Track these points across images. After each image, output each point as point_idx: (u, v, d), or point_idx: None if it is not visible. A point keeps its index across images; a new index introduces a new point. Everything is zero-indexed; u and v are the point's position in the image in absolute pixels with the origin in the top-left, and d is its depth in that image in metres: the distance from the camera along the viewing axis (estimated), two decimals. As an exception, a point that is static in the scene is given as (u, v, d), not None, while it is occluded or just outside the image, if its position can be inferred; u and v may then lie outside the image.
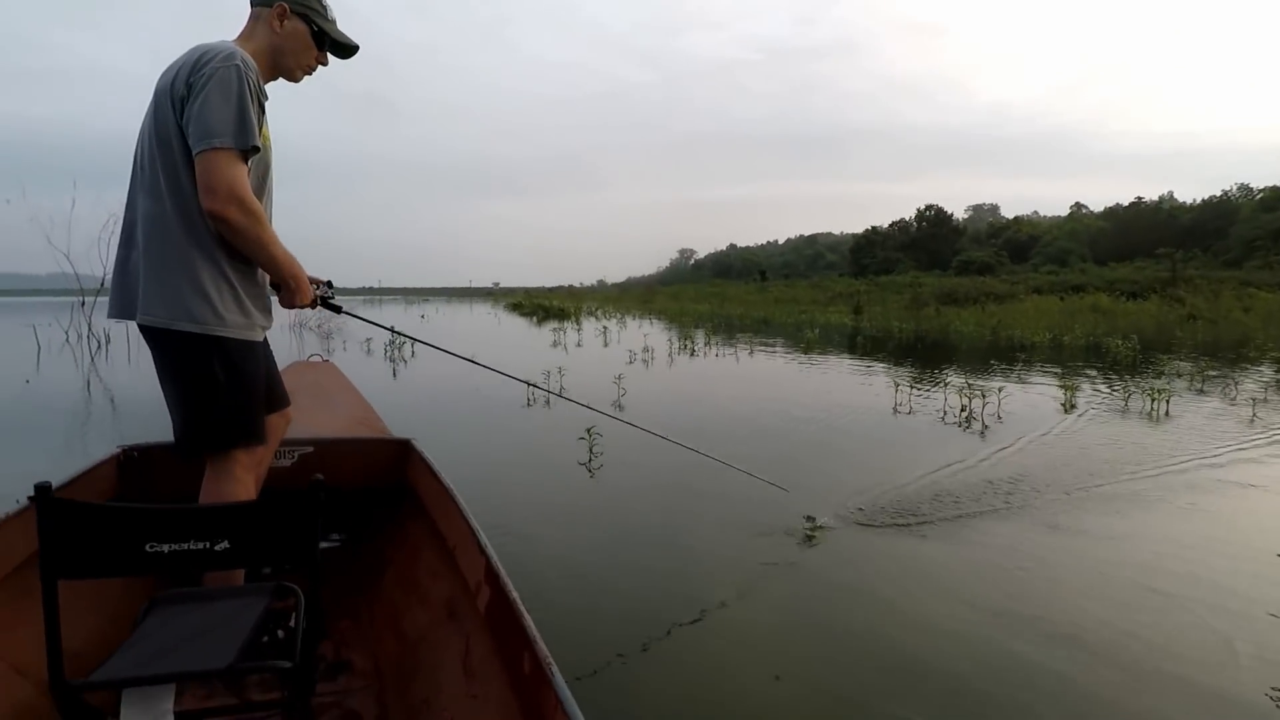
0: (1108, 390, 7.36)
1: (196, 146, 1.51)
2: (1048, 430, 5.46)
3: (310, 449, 2.35)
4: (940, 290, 37.59)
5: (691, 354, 11.93)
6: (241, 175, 1.54)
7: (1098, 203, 76.84)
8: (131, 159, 1.67)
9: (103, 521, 1.18)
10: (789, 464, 4.47)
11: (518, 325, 22.41)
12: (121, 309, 1.65)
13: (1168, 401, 6.04)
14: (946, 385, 6.72)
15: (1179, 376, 8.38)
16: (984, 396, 6.11)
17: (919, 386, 6.87)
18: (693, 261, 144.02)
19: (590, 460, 4.47)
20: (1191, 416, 5.87)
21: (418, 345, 12.30)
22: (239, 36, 1.73)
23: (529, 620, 1.28)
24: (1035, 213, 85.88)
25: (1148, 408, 6.11)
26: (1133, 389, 6.64)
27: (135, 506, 1.19)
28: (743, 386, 8.24)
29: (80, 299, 15.60)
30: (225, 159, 1.51)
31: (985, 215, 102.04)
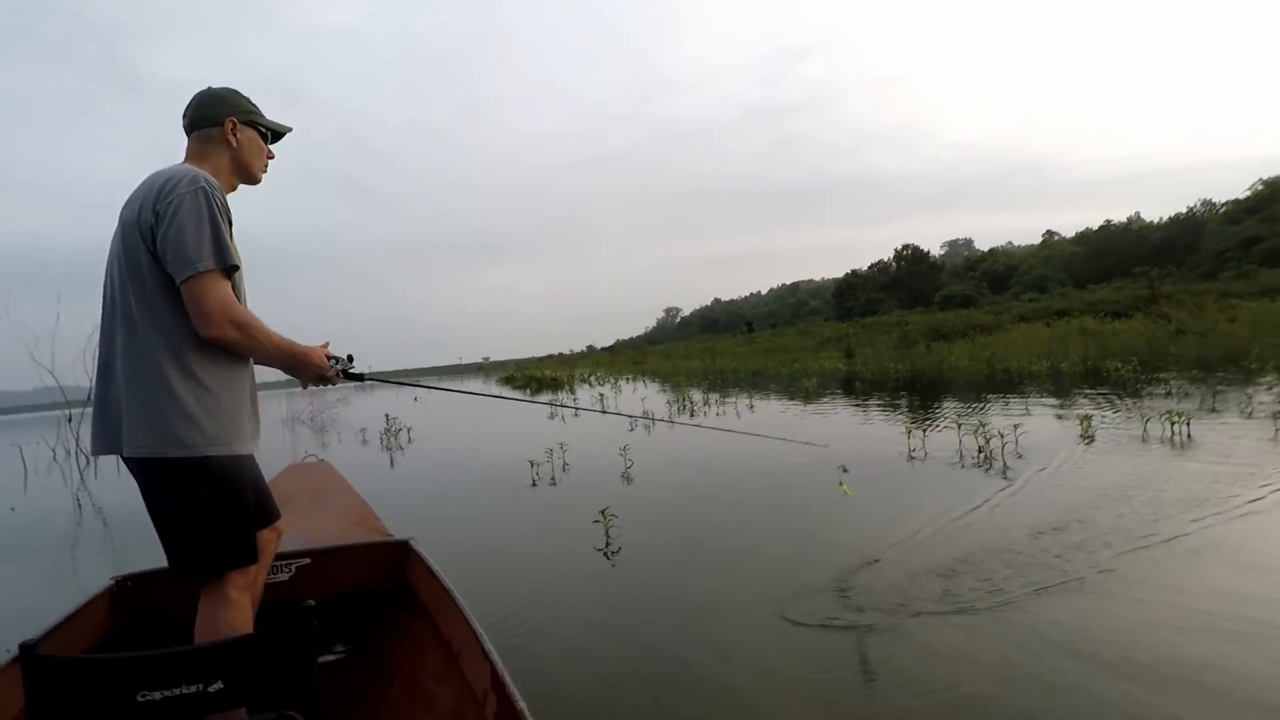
0: (1121, 416, 7.25)
1: (180, 275, 1.54)
2: (1070, 465, 5.31)
3: (307, 560, 2.30)
4: (927, 327, 37.85)
5: (691, 414, 11.77)
6: (228, 294, 1.59)
7: (1068, 228, 78.59)
8: (102, 292, 1.69)
9: (91, 676, 1.14)
10: (806, 528, 4.29)
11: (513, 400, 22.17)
12: (107, 444, 1.65)
13: (1188, 425, 5.91)
14: (959, 425, 6.57)
15: (1187, 396, 8.30)
16: (1001, 435, 5.97)
17: (929, 428, 6.73)
18: (679, 319, 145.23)
19: (607, 545, 4.25)
20: (1215, 438, 5.71)
21: (414, 434, 12.25)
22: (189, 159, 1.76)
23: None
24: (1009, 243, 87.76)
25: (1166, 432, 5.98)
26: (1146, 413, 6.53)
27: (122, 657, 1.16)
28: (749, 442, 8.06)
29: (67, 414, 15.38)
30: (211, 282, 1.56)
31: (961, 250, 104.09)
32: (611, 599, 3.45)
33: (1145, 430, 6.18)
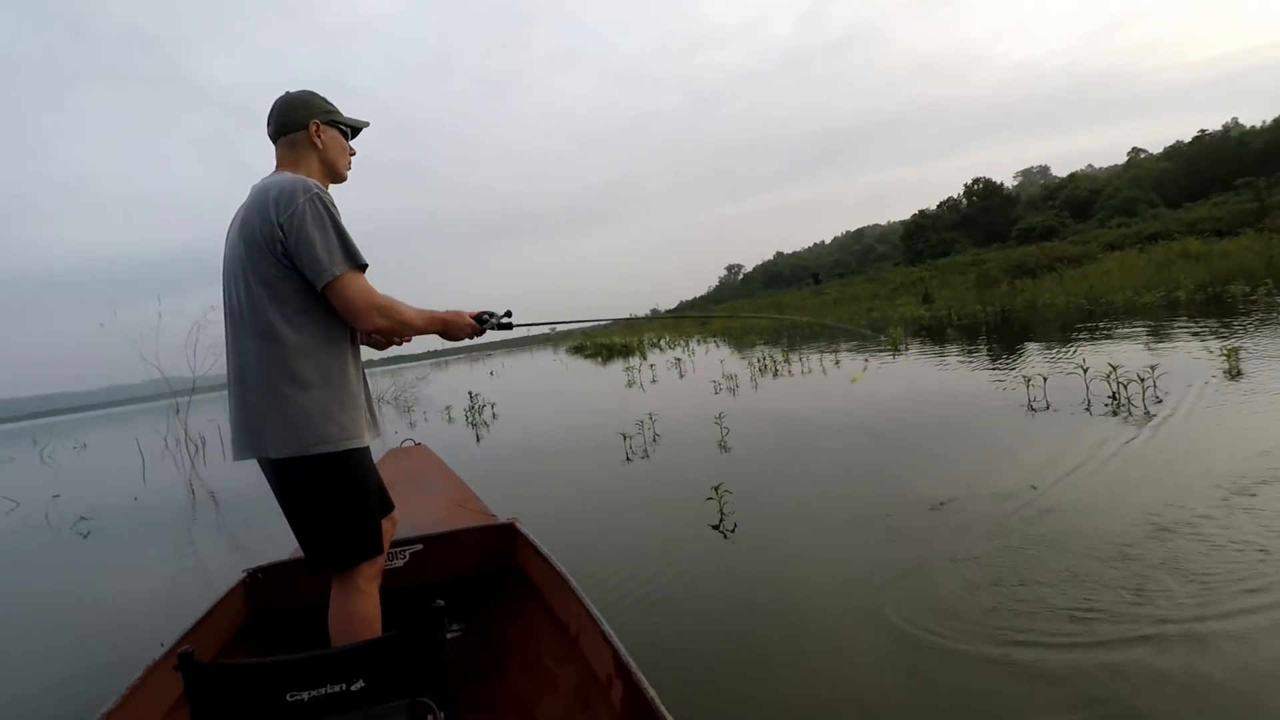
0: (1265, 350, 6.53)
1: (320, 282, 1.65)
2: (1218, 407, 4.79)
3: (420, 546, 2.39)
4: (1007, 264, 35.89)
5: (775, 374, 11.42)
6: (368, 289, 1.71)
7: (1156, 144, 72.89)
8: (225, 306, 1.78)
9: (245, 680, 1.24)
10: (943, 481, 3.97)
11: (585, 369, 22.27)
12: (249, 447, 1.71)
13: (1359, 353, 5.23)
14: (1084, 369, 6.03)
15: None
16: (1138, 379, 5.45)
17: (1043, 371, 6.20)
18: (741, 276, 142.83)
19: (721, 522, 4.05)
20: None
21: (498, 409, 12.34)
22: (282, 165, 1.82)
23: None
24: (1090, 166, 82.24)
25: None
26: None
27: (273, 662, 1.24)
28: (851, 401, 7.70)
29: (174, 404, 16.31)
30: (351, 282, 1.68)
31: (1036, 179, 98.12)
32: (731, 580, 3.25)
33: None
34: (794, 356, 13.46)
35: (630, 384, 13.93)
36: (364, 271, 1.72)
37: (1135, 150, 70.79)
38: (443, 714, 1.40)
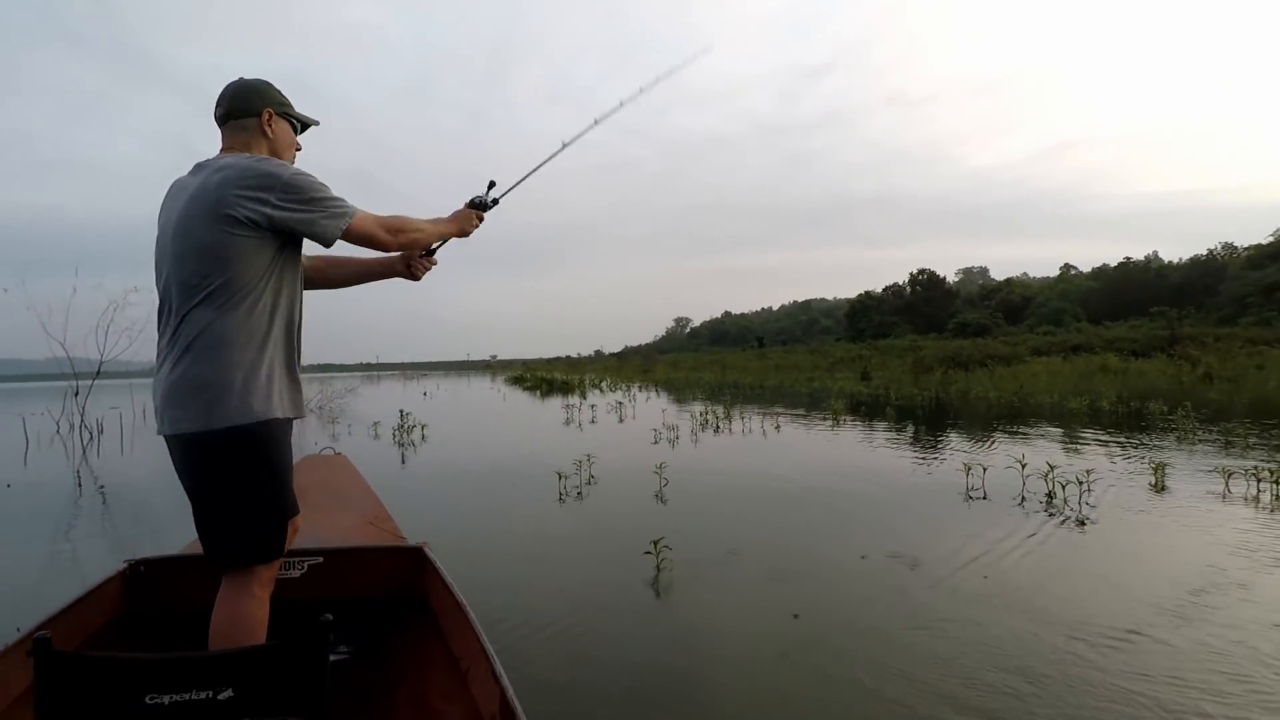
0: (1190, 467, 6.80)
1: (335, 238, 1.77)
2: (1156, 531, 4.90)
3: (320, 559, 2.28)
4: (943, 354, 37.43)
5: (716, 430, 11.36)
6: (374, 216, 1.85)
7: (1086, 263, 78.09)
8: (167, 279, 1.71)
9: (101, 674, 1.14)
10: (889, 569, 3.88)
11: (523, 401, 21.84)
12: (176, 422, 1.65)
13: (1277, 483, 5.47)
14: (1021, 465, 6.13)
15: (1254, 447, 7.86)
16: (1077, 482, 5.56)
17: (980, 462, 6.28)
18: (688, 329, 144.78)
19: (657, 578, 3.84)
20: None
21: (428, 431, 11.87)
22: (231, 148, 1.82)
23: None
24: (1025, 274, 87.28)
25: (1252, 491, 5.55)
26: (1223, 467, 6.07)
27: (134, 659, 1.16)
28: (793, 467, 7.65)
29: (74, 386, 15.12)
30: (360, 221, 1.81)
31: (976, 278, 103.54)
32: (650, 636, 3.08)
33: (1227, 487, 5.74)
34: (734, 414, 13.47)
35: (569, 422, 13.66)
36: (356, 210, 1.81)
37: (1067, 266, 75.79)
38: None
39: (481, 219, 2.18)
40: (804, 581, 3.81)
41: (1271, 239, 53.09)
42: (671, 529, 4.32)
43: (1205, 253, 61.62)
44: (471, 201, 2.17)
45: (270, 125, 1.85)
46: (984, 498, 5.66)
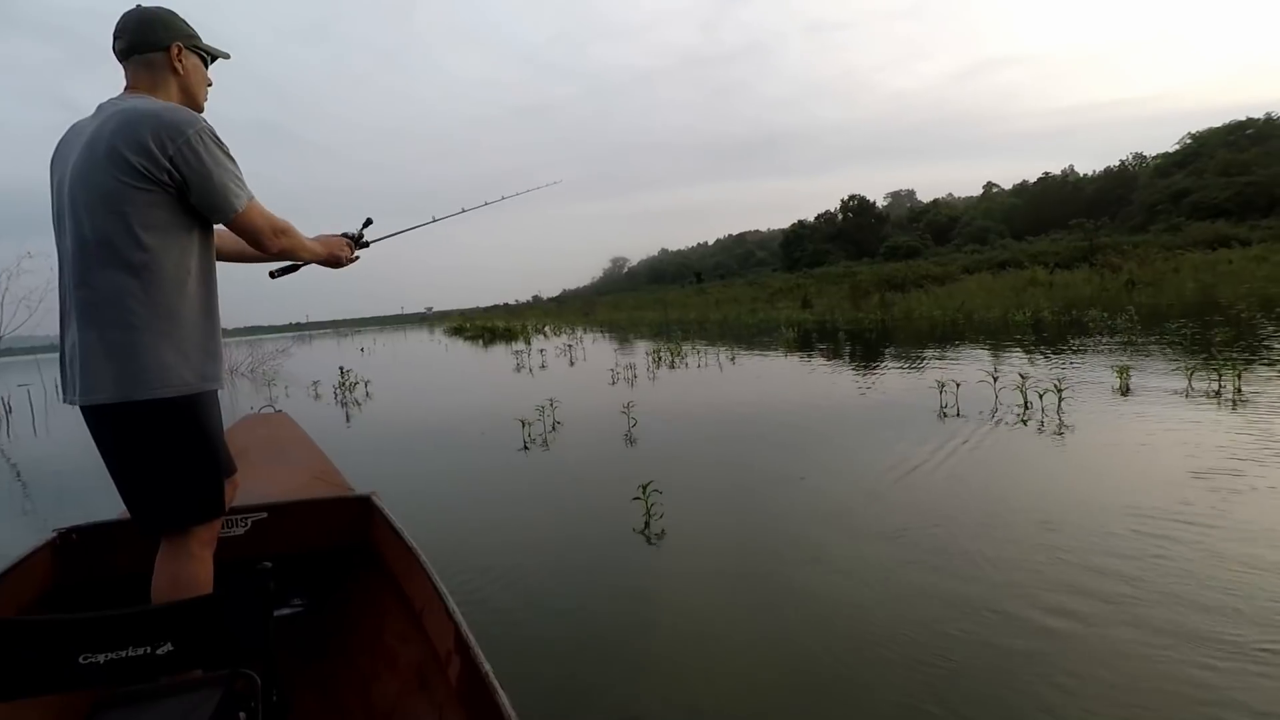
0: (1147, 370, 6.92)
1: (226, 215, 1.62)
2: (1134, 436, 4.91)
3: (264, 515, 2.22)
4: (878, 278, 38.10)
5: (672, 366, 11.15)
6: (269, 213, 1.71)
7: (1007, 180, 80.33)
8: (69, 237, 1.58)
9: (27, 638, 1.12)
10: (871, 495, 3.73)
11: (467, 351, 21.17)
12: (91, 391, 1.54)
13: (1238, 377, 5.56)
14: (994, 379, 6.09)
15: (1197, 346, 8.10)
16: (1055, 389, 5.52)
17: (941, 379, 6.21)
18: (626, 269, 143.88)
19: (648, 525, 3.59)
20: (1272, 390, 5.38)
21: (372, 387, 11.29)
22: (137, 88, 1.68)
23: (504, 698, 1.22)
24: (950, 195, 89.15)
25: (1213, 388, 5.63)
26: (1184, 366, 6.16)
27: (61, 619, 1.13)
28: (762, 397, 7.49)
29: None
30: (255, 210, 1.67)
31: (904, 201, 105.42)
32: (660, 587, 2.85)
33: (1190, 384, 5.82)
34: (687, 351, 13.28)
35: (519, 368, 13.23)
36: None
37: (990, 184, 77.65)
38: (274, 691, 1.31)
39: (355, 254, 2.11)
40: (789, 518, 3.62)
41: (1178, 147, 55.48)
42: (650, 473, 4.05)
43: (1117, 164, 64.01)
44: (346, 234, 2.09)
45: (180, 60, 1.70)
46: (958, 414, 5.60)
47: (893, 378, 8.10)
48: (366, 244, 2.14)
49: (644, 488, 3.61)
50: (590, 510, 4.08)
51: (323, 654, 2.09)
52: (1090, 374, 6.87)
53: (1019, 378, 5.75)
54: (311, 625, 2.19)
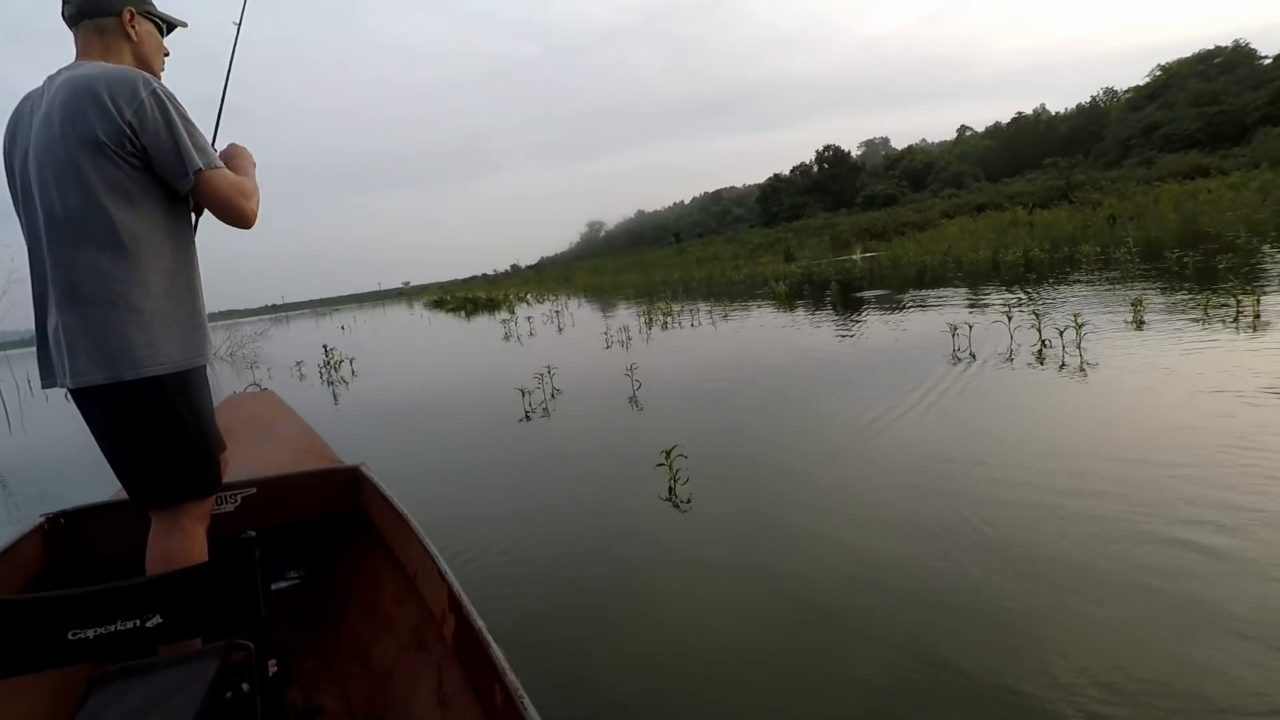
0: (1155, 303, 6.79)
1: (184, 181, 1.52)
2: (1163, 365, 4.76)
3: (252, 490, 2.23)
4: (858, 227, 37.94)
5: (664, 328, 10.92)
6: (231, 178, 1.58)
7: (980, 123, 79.93)
8: (36, 220, 1.51)
9: (14, 616, 1.13)
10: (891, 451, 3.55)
11: (450, 324, 20.78)
12: (76, 373, 1.48)
13: (1258, 301, 5.43)
14: (1008, 317, 5.92)
15: (1203, 275, 7.99)
16: (1075, 326, 5.36)
17: (949, 322, 6.03)
18: (603, 233, 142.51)
19: (673, 493, 3.39)
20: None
21: (357, 365, 10.95)
22: (88, 54, 1.59)
23: (498, 651, 1.24)
24: (924, 140, 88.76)
25: (1231, 316, 5.49)
26: (1199, 298, 6.02)
27: (47, 596, 1.15)
28: (769, 353, 7.29)
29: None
30: (218, 176, 1.55)
31: (878, 149, 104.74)
32: (699, 555, 2.66)
33: (1206, 313, 5.69)
34: (677, 311, 13.04)
35: (508, 337, 12.94)
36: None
37: (963, 128, 77.28)
38: (272, 661, 1.30)
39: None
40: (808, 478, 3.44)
41: (1148, 80, 55.31)
42: (666, 439, 3.85)
43: (1088, 100, 63.78)
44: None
45: (134, 26, 1.63)
46: (972, 358, 5.43)
47: (895, 325, 7.92)
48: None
49: (668, 453, 3.40)
50: (611, 478, 3.88)
51: (321, 623, 2.13)
52: (1102, 310, 6.73)
53: (1033, 317, 5.57)
54: (308, 596, 2.25)
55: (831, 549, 2.63)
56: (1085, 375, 4.54)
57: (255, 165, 1.75)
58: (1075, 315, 5.38)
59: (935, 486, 3.03)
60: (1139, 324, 5.69)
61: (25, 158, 1.52)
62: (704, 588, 2.48)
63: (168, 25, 1.74)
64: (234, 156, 1.73)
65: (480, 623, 1.36)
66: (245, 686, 1.25)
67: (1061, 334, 5.27)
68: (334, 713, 1.76)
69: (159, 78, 1.67)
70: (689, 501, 3.27)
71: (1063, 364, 4.85)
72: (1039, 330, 5.46)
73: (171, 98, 1.52)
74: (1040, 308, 7.10)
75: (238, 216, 1.58)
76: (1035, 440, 3.47)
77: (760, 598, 2.34)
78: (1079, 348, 5.13)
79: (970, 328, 5.84)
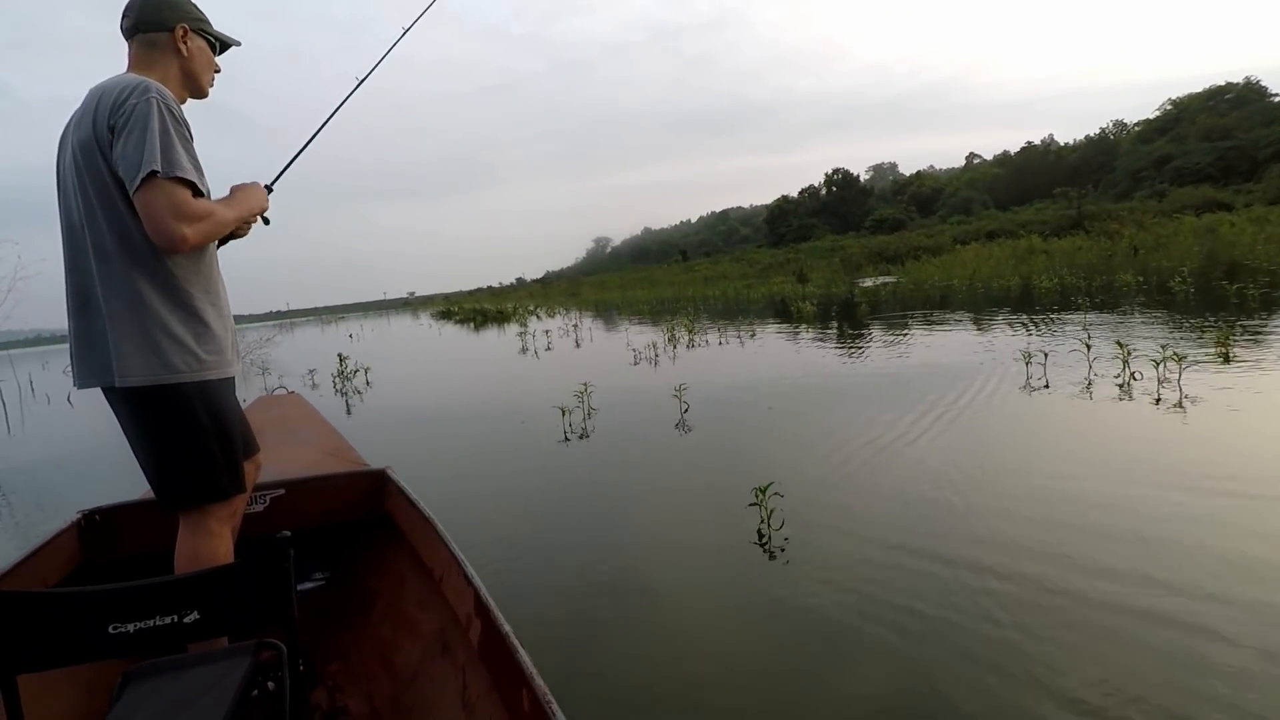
0: (1233, 335, 6.43)
1: (131, 180, 1.44)
2: (1263, 398, 4.40)
3: (281, 491, 2.24)
4: (869, 250, 37.71)
5: (690, 346, 10.55)
6: (177, 195, 1.45)
7: (988, 151, 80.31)
8: (61, 226, 1.59)
9: (59, 609, 1.14)
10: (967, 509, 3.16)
11: (460, 335, 20.42)
12: (92, 376, 1.55)
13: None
14: (1087, 347, 5.55)
15: (1270, 307, 7.64)
16: (1170, 357, 4.98)
17: (1012, 349, 5.67)
18: (609, 249, 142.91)
19: (762, 537, 2.99)
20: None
21: (372, 375, 10.56)
22: (135, 67, 1.64)
23: (524, 656, 1.22)
24: (932, 166, 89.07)
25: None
26: (1263, 329, 5.68)
27: (91, 590, 1.16)
28: (815, 373, 6.91)
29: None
30: (159, 186, 1.43)
31: (886, 174, 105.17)
32: (819, 628, 2.25)
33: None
34: (696, 328, 12.68)
35: (524, 350, 12.57)
36: (183, 186, 1.45)
37: (972, 155, 77.70)
38: (300, 661, 1.32)
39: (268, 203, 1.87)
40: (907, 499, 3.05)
41: (1159, 113, 55.46)
42: (740, 470, 3.45)
43: (1098, 131, 63.97)
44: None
45: (185, 42, 1.66)
46: (1045, 387, 5.06)
47: (942, 346, 7.55)
48: (270, 187, 1.91)
49: (761, 491, 3.00)
50: (678, 513, 3.48)
51: (346, 624, 2.14)
52: (1167, 342, 6.37)
53: (1117, 346, 5.20)
54: (333, 597, 2.25)
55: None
56: (1183, 410, 4.17)
57: (257, 210, 1.74)
58: (1164, 346, 4.99)
59: (1090, 540, 2.63)
60: (1226, 357, 5.32)
61: (59, 166, 1.58)
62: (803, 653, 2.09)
63: (222, 45, 1.78)
64: (238, 189, 1.71)
65: (507, 627, 1.34)
66: (271, 685, 1.26)
67: (1158, 366, 4.87)
68: (358, 715, 1.75)
69: (207, 92, 1.75)
70: (783, 550, 2.87)
71: (1158, 398, 4.47)
72: (1125, 361, 5.08)
73: (169, 108, 1.49)
74: (1108, 336, 6.73)
75: (158, 232, 1.43)
76: (1160, 480, 3.08)
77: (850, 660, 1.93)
78: (1179, 381, 4.74)
79: (1045, 355, 5.46)
